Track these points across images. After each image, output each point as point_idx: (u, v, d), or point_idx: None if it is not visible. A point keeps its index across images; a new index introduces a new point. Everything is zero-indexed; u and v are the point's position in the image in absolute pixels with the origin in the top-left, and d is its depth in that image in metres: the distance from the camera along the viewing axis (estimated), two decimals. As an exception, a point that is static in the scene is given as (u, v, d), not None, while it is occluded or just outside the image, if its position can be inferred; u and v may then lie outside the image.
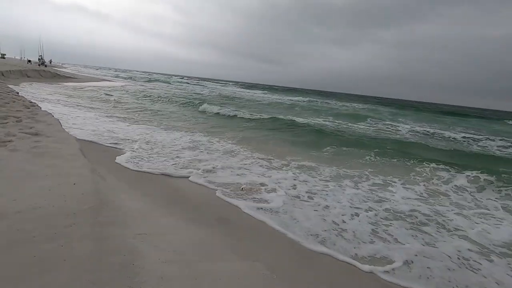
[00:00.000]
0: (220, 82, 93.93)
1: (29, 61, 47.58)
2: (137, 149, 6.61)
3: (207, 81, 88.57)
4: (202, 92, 30.41)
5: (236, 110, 15.97)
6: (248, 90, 49.03)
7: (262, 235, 3.55)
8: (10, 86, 11.64)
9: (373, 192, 5.39)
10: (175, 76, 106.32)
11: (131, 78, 55.61)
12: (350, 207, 4.59)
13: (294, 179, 5.57)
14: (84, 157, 4.30)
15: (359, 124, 16.38)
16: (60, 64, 74.22)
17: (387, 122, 18.73)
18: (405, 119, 22.65)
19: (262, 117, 14.08)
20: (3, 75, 18.64)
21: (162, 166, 5.59)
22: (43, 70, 30.11)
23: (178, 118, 12.94)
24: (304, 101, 30.20)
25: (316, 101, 32.99)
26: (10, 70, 21.19)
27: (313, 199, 4.77)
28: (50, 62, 57.11)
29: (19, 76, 22.00)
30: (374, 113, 24.09)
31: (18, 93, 8.78)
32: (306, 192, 4.98)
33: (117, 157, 5.84)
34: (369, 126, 16.15)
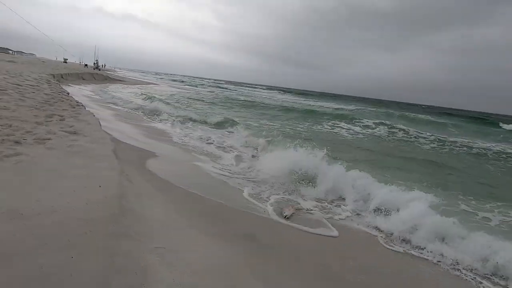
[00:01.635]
0: (256, 86, 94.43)
1: (86, 65, 52.26)
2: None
3: (245, 85, 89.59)
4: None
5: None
6: (298, 98, 45.63)
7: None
8: (64, 87, 12.58)
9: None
10: (219, 80, 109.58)
11: (178, 81, 58.25)
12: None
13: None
14: (116, 158, 4.26)
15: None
16: (113, 68, 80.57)
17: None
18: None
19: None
20: (62, 77, 20.43)
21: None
22: (97, 73, 32.73)
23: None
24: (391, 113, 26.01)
25: (391, 111, 28.09)
26: (68, 73, 23.24)
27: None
28: (104, 66, 62.18)
29: (76, 79, 24.03)
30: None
31: (68, 93, 9.39)
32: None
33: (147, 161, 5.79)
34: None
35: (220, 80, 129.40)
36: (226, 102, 22.31)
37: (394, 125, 13.87)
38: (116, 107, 12.16)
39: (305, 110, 19.61)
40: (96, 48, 53.94)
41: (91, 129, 5.31)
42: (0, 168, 3.08)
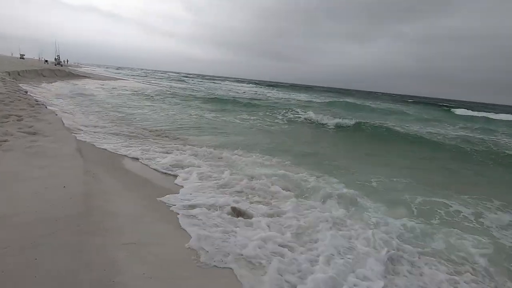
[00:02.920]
0: (229, 79, 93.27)
1: (46, 61, 48.84)
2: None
3: (219, 79, 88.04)
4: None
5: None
6: (265, 90, 45.07)
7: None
8: (21, 85, 11.75)
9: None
10: (188, 74, 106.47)
11: (145, 76, 56.12)
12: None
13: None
14: (81, 157, 4.13)
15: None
16: (76, 64, 75.97)
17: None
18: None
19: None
20: (19, 74, 19.01)
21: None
22: (58, 70, 30.71)
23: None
24: (338, 102, 25.89)
25: (347, 101, 27.46)
26: (26, 70, 21.63)
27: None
28: (67, 62, 58.45)
29: (35, 76, 22.43)
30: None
31: (26, 92, 8.80)
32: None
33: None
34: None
35: (193, 74, 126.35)
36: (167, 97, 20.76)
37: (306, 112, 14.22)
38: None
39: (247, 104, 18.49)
40: (56, 42, 50.44)
41: (53, 128, 5.08)
42: (-49, 174, 2.90)
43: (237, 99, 20.33)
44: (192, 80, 57.53)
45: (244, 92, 32.19)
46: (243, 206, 3.42)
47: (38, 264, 1.92)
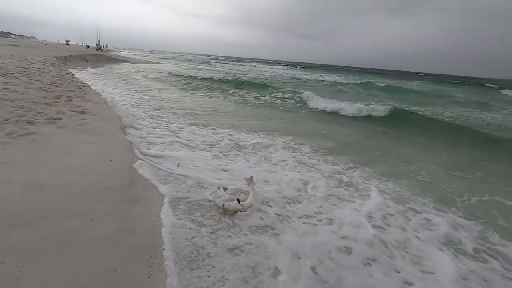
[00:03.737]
0: (260, 61, 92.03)
1: (88, 46, 51.77)
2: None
3: (251, 61, 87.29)
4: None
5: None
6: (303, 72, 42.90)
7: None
8: (70, 69, 12.66)
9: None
10: (217, 57, 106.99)
11: (175, 59, 57.41)
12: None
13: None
14: (124, 135, 4.45)
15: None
16: (115, 49, 79.65)
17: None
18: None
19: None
20: (66, 59, 20.41)
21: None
22: (100, 54, 32.47)
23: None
24: (378, 83, 22.99)
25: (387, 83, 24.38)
26: (72, 55, 23.15)
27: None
28: (106, 47, 61.46)
29: (80, 61, 23.96)
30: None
31: (73, 75, 9.49)
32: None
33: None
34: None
35: (230, 57, 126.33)
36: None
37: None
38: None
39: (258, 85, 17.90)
40: (97, 28, 53.05)
41: (98, 108, 5.47)
42: (16, 146, 3.29)
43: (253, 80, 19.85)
44: (221, 63, 57.49)
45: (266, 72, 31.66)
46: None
47: (93, 225, 2.17)
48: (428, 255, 2.62)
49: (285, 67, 56.50)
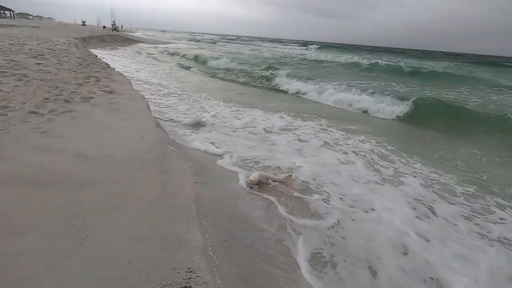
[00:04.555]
0: (272, 40, 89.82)
1: (104, 27, 52.16)
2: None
3: (266, 41, 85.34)
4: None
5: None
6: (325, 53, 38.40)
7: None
8: (91, 50, 13.03)
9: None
10: (230, 36, 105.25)
11: (195, 40, 57.01)
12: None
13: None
14: (150, 113, 4.76)
15: None
16: (130, 29, 79.71)
17: None
18: None
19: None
20: (85, 40, 20.84)
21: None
22: (116, 35, 32.80)
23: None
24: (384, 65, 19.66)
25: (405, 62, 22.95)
26: (90, 36, 23.56)
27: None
28: (121, 27, 61.65)
29: (97, 41, 24.39)
30: None
31: (96, 56, 9.83)
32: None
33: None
34: None
35: (243, 36, 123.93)
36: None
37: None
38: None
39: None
40: (112, 8, 53.13)
41: (124, 88, 5.78)
42: (60, 122, 3.65)
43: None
44: (230, 43, 56.50)
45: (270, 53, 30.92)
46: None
47: (137, 190, 2.50)
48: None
49: (301, 47, 55.10)
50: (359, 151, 5.15)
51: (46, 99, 4.32)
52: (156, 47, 26.65)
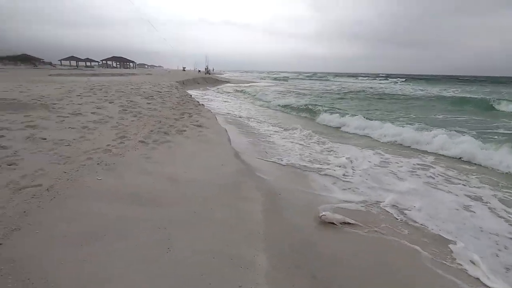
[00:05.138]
0: (358, 76, 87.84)
1: (199, 71, 60.56)
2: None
3: (344, 76, 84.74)
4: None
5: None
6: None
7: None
8: (188, 91, 15.34)
9: None
10: (308, 72, 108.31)
11: (273, 78, 61.02)
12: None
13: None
14: (230, 145, 5.28)
15: None
16: (220, 71, 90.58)
17: None
18: None
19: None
20: (183, 83, 24.60)
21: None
22: (208, 77, 37.70)
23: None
24: None
25: None
26: (187, 79, 27.72)
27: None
28: (213, 70, 70.57)
29: (193, 83, 28.46)
30: None
31: (191, 96, 11.53)
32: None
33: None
34: None
35: (320, 72, 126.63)
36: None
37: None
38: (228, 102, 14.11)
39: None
40: (206, 56, 62.07)
41: (211, 122, 6.59)
42: (159, 150, 4.40)
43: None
44: (305, 80, 57.65)
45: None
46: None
47: (213, 213, 2.80)
48: None
49: (383, 80, 52.56)
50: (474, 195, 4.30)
51: (151, 131, 5.29)
52: (240, 86, 29.44)
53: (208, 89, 23.88)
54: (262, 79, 57.10)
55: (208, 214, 2.75)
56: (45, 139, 4.16)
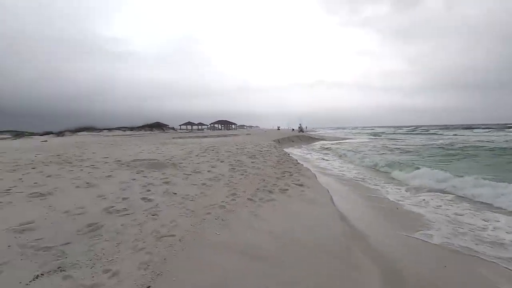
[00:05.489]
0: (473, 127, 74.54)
1: (293, 129, 63.40)
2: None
3: (452, 128, 73.44)
4: None
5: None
6: None
7: None
8: (284, 149, 16.13)
9: None
10: (405, 127, 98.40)
11: (371, 133, 58.17)
12: None
13: None
14: (333, 206, 5.12)
15: None
16: (312, 129, 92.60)
17: None
18: None
19: None
20: (279, 142, 26.07)
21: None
22: (302, 135, 38.95)
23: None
24: None
25: None
26: (282, 138, 29.31)
27: None
28: (306, 128, 72.76)
29: (288, 142, 29.82)
30: None
31: (289, 154, 12.05)
32: None
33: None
34: None
35: (422, 127, 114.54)
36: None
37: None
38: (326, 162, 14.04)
39: None
40: (300, 116, 65.25)
41: (311, 182, 6.63)
42: (265, 208, 4.63)
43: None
44: (409, 134, 51.97)
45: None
46: None
47: (316, 276, 2.67)
48: None
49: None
50: None
51: (257, 189, 5.68)
52: (335, 143, 29.09)
53: (303, 147, 24.46)
54: (357, 134, 55.19)
55: (310, 276, 2.65)
56: (176, 193, 5.00)
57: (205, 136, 28.97)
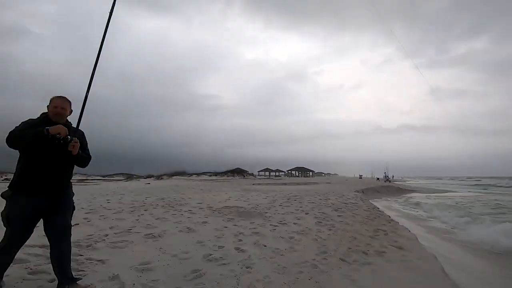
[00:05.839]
0: None
1: (378, 178, 58.25)
2: None
3: None
4: None
5: None
6: None
7: None
8: (371, 201, 14.80)
9: None
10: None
11: (479, 185, 48.67)
12: None
13: None
14: (446, 276, 4.31)
15: None
16: (401, 178, 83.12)
17: None
18: None
19: None
20: (363, 192, 24.15)
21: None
22: (389, 186, 35.25)
23: None
24: None
25: None
26: (367, 188, 27.10)
27: None
28: (392, 177, 65.91)
29: (373, 192, 27.31)
30: None
31: (378, 208, 10.97)
32: None
33: None
34: None
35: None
36: None
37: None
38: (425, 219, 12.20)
39: None
40: (386, 165, 60.31)
41: (413, 245, 5.80)
42: (362, 273, 4.20)
43: None
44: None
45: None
46: None
47: None
48: None
49: None
50: None
51: (349, 248, 5.27)
52: (431, 197, 25.22)
53: (391, 200, 22.00)
54: (457, 186, 46.82)
55: None
56: (266, 246, 5.05)
57: (284, 184, 29.11)
